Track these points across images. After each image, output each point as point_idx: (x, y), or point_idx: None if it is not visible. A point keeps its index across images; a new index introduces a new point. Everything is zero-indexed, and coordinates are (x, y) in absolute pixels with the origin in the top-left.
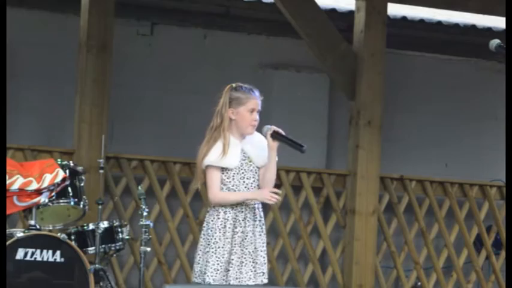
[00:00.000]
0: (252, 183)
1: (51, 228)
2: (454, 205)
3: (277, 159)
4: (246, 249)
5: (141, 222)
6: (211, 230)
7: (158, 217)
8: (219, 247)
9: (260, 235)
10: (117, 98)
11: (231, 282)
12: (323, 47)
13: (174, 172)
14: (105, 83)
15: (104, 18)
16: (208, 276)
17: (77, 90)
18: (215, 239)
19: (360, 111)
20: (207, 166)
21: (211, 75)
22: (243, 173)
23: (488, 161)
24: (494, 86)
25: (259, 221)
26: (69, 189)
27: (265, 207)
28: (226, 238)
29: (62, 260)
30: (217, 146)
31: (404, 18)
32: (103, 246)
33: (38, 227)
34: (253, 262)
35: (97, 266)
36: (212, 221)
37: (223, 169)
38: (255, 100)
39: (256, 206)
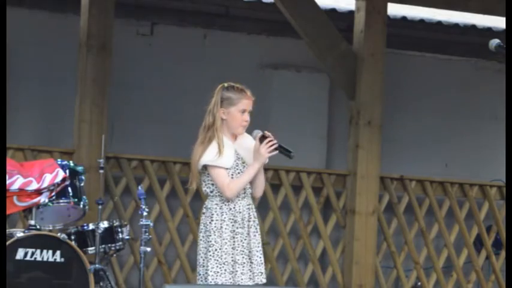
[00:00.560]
0: (246, 184)
1: (51, 228)
2: (454, 205)
3: (267, 160)
4: (246, 249)
5: (141, 222)
6: (208, 232)
7: (158, 217)
8: (216, 249)
9: (255, 235)
10: (117, 98)
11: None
12: (323, 47)
13: (174, 172)
14: (105, 83)
15: (104, 18)
16: (209, 279)
17: (77, 90)
18: (211, 241)
19: (360, 111)
20: (208, 166)
21: (211, 75)
22: (238, 173)
23: (488, 161)
24: (494, 86)
25: (254, 221)
26: (69, 189)
27: (265, 207)
28: (224, 239)
29: (62, 260)
30: (213, 146)
31: (404, 18)
32: (103, 246)
33: (38, 227)
34: (250, 262)
35: (97, 266)
36: (209, 223)
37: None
38: (247, 100)
39: (250, 206)
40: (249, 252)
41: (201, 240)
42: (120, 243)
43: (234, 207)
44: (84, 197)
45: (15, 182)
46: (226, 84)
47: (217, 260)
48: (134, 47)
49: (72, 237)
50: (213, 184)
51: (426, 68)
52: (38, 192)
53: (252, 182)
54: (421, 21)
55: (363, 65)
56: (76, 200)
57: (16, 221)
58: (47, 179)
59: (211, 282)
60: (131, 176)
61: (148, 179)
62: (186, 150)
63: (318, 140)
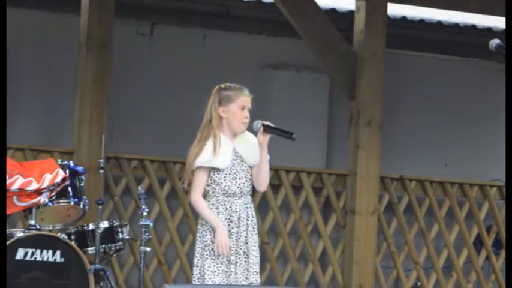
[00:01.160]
0: (244, 183)
1: (51, 228)
2: (454, 205)
3: (268, 157)
4: (240, 249)
5: (141, 222)
6: (204, 232)
7: (158, 217)
8: (212, 249)
9: (252, 235)
10: (117, 98)
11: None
12: (323, 47)
13: (174, 172)
14: (105, 83)
15: (104, 18)
16: (206, 279)
17: (77, 90)
18: (207, 241)
19: (360, 111)
20: (197, 167)
21: (211, 75)
22: (235, 173)
23: (488, 161)
24: (494, 86)
25: (251, 220)
26: (69, 189)
27: (265, 207)
28: None
29: (62, 260)
30: (208, 146)
31: (404, 18)
32: (103, 246)
33: (38, 227)
34: (246, 262)
35: (97, 266)
36: (205, 223)
37: (215, 169)
38: (245, 97)
39: (248, 205)
40: (247, 251)
41: (197, 240)
42: (120, 243)
43: (230, 207)
44: (84, 197)
45: (15, 182)
46: (223, 85)
47: (214, 260)
48: (134, 47)
49: (72, 237)
50: (209, 185)
51: (426, 68)
52: (38, 192)
53: (254, 179)
54: (421, 21)
55: (362, 65)
56: (76, 200)
57: (16, 221)
58: (47, 179)
59: (208, 281)
60: (131, 176)
61: (148, 179)
62: (186, 150)
63: (318, 140)
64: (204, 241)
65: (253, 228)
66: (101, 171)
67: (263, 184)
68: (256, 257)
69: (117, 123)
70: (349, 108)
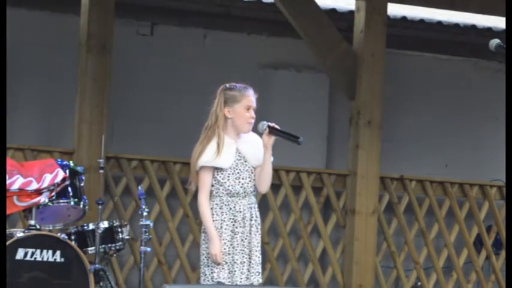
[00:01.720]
0: (247, 183)
1: (51, 228)
2: (454, 205)
3: (272, 159)
4: (246, 248)
5: (141, 222)
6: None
7: (158, 217)
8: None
9: (255, 235)
10: (117, 98)
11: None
12: (323, 47)
13: (174, 172)
14: (105, 83)
15: (104, 18)
16: (215, 277)
17: (77, 90)
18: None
19: (360, 111)
20: (201, 167)
21: (211, 75)
22: (238, 173)
23: (488, 161)
24: (494, 86)
25: (255, 220)
26: (69, 189)
27: (265, 207)
28: (223, 239)
29: (62, 260)
30: (211, 146)
31: (404, 18)
32: (103, 246)
33: (38, 227)
34: (249, 262)
35: (97, 266)
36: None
37: (218, 169)
38: (250, 97)
39: (252, 205)
40: (249, 251)
41: (203, 240)
42: (120, 243)
43: (234, 207)
44: (84, 197)
45: (15, 182)
46: (228, 85)
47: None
48: (134, 47)
49: (72, 237)
50: (212, 185)
51: (426, 68)
52: (38, 192)
53: (256, 180)
54: (421, 21)
55: (362, 65)
56: (76, 200)
57: (16, 221)
58: (47, 179)
59: (217, 280)
60: (131, 176)
61: (148, 179)
62: (186, 150)
63: (318, 140)
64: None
65: (257, 228)
66: (101, 171)
67: (265, 186)
68: (258, 257)
69: (117, 123)
70: (349, 108)
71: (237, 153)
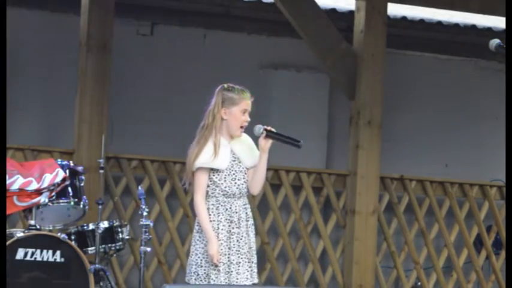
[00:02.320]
0: (242, 184)
1: (51, 228)
2: (454, 205)
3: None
4: (242, 249)
5: (141, 222)
6: (203, 233)
7: (158, 217)
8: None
9: (249, 235)
10: (117, 98)
11: (230, 283)
12: (323, 47)
13: (174, 172)
14: (105, 82)
15: (104, 18)
16: (212, 278)
17: (77, 90)
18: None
19: (360, 111)
20: (197, 168)
21: (211, 75)
22: (234, 174)
23: (488, 161)
24: (494, 86)
25: (249, 220)
26: (69, 189)
27: (265, 207)
28: (220, 240)
29: (62, 260)
30: (209, 147)
31: (404, 18)
32: (103, 246)
33: (38, 227)
34: (248, 262)
35: (97, 266)
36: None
37: (214, 170)
38: (247, 101)
39: (246, 205)
40: (249, 251)
41: (197, 240)
42: (120, 243)
43: (230, 208)
44: (84, 197)
45: (15, 182)
46: (226, 85)
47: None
48: (134, 47)
49: (72, 237)
50: (208, 186)
51: (426, 68)
52: (38, 192)
53: (249, 180)
54: (421, 21)
55: (362, 65)
56: (76, 200)
57: (16, 221)
58: (47, 179)
59: (214, 280)
60: (131, 176)
61: (148, 179)
62: (186, 150)
63: (318, 140)
64: (206, 241)
65: (252, 228)
66: (101, 171)
67: (257, 187)
68: (254, 257)
69: (117, 123)
70: (349, 108)
71: (231, 154)
